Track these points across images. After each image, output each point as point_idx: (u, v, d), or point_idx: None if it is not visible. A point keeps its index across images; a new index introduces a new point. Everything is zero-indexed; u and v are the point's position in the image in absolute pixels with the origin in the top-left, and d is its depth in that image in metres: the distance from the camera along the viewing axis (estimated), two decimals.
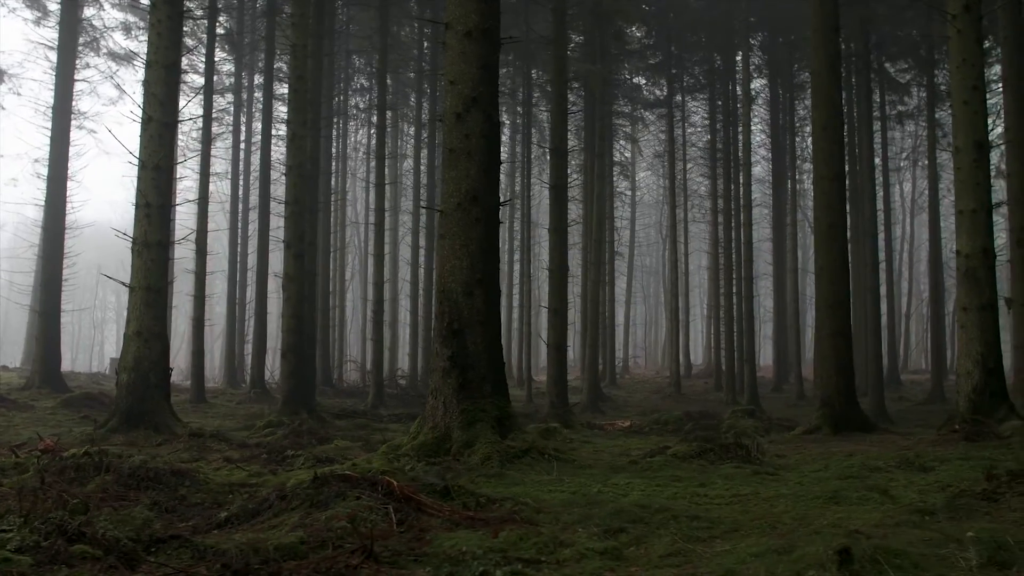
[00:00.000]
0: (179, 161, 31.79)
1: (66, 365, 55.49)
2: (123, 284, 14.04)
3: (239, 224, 30.60)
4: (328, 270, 30.23)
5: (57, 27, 22.90)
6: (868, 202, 28.49)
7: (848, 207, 33.67)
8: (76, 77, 29.76)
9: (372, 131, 42.50)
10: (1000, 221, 21.34)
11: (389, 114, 39.13)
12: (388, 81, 35.83)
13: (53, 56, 24.23)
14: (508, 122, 43.82)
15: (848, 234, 16.05)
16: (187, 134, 35.29)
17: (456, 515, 6.10)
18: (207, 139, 23.28)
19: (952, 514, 5.98)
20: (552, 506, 6.55)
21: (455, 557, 4.83)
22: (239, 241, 30.42)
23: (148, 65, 14.18)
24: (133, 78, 55.58)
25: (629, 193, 46.31)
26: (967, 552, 4.68)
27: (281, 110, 32.49)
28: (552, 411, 20.29)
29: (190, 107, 37.60)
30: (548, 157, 31.13)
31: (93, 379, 28.70)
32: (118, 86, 31.63)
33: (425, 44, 33.72)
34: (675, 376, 35.27)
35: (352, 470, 6.84)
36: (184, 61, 33.52)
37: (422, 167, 34.81)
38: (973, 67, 12.70)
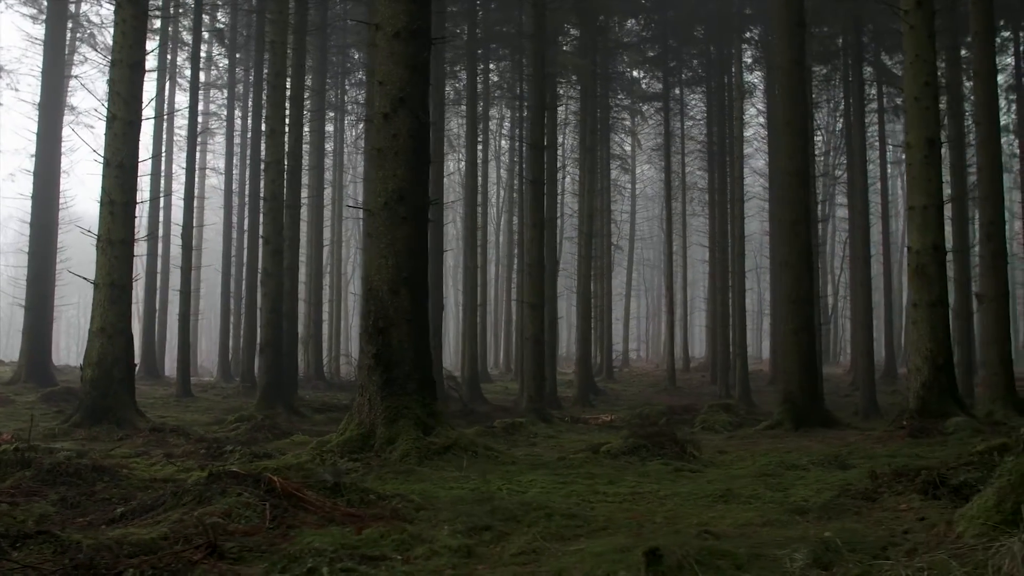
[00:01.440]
0: (160, 152, 32.12)
1: (71, 359, 56.13)
2: (87, 280, 14.27)
3: (233, 219, 30.86)
4: (321, 264, 30.43)
5: (44, 24, 23.11)
6: (860, 195, 28.47)
7: (846, 200, 33.68)
8: (73, 72, 30.19)
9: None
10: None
11: None
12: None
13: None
14: (508, 115, 43.90)
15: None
16: (183, 127, 35.73)
17: (336, 512, 6.22)
18: (193, 134, 23.50)
19: (824, 514, 6.04)
20: (439, 503, 6.65)
21: (296, 554, 4.94)
22: (233, 236, 30.68)
23: (113, 64, 14.38)
24: None
25: (629, 186, 46.22)
26: (797, 553, 4.74)
27: None
28: (530, 405, 20.36)
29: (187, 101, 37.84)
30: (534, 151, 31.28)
31: None
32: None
33: None
34: (670, 370, 35.28)
35: (242, 468, 6.97)
36: (180, 57, 33.95)
37: None
38: (925, 63, 12.65)
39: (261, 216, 19.56)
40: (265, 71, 30.16)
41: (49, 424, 14.06)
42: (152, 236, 27.13)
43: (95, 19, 30.88)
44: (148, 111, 28.58)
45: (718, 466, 9.55)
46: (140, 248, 32.20)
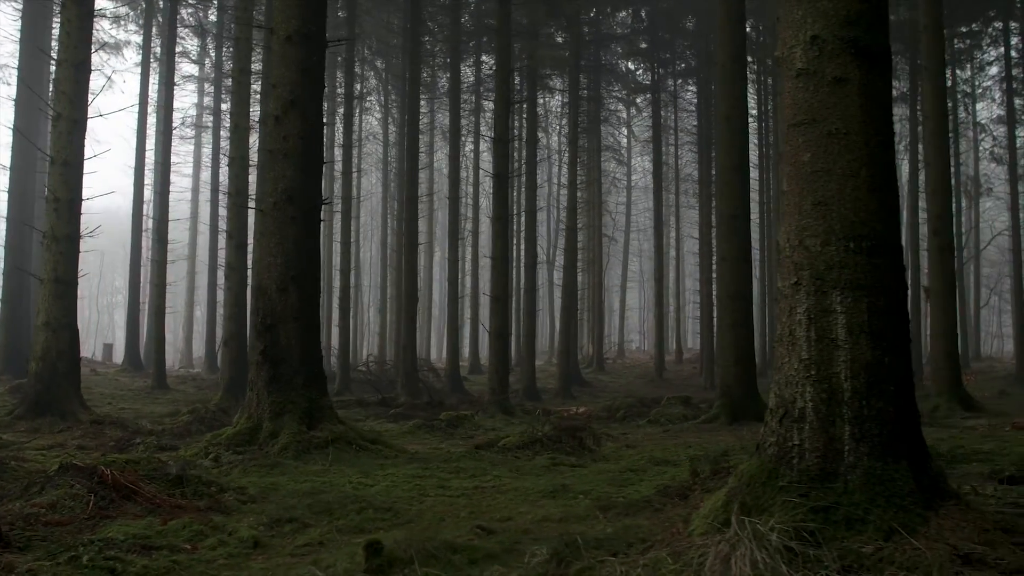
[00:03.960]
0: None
1: None
2: (34, 276, 14.65)
3: (220, 214, 31.25)
4: None
5: (20, 19, 23.49)
6: None
7: None
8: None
9: (368, 117, 43.06)
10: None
11: (389, 100, 39.70)
12: (360, 70, 36.24)
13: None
14: None
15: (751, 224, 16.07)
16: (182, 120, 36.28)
17: (164, 503, 6.47)
18: (168, 129, 23.90)
19: (626, 510, 6.20)
20: (275, 496, 6.89)
21: (75, 543, 5.17)
22: (220, 230, 31.07)
23: (58, 64, 14.70)
24: (124, 67, 57.14)
25: (625, 178, 46.21)
26: (542, 549, 4.92)
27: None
28: (493, 398, 20.57)
29: (188, 98, 38.31)
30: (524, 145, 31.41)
31: None
32: (107, 75, 32.25)
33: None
34: (658, 361, 35.36)
35: (77, 460, 7.25)
36: (180, 48, 34.38)
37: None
38: None
39: (225, 211, 19.89)
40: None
41: None
42: (136, 230, 27.57)
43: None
44: (132, 101, 29.07)
45: (605, 460, 9.71)
46: (124, 242, 32.66)
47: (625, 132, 43.54)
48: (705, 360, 31.97)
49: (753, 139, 38.50)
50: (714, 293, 29.42)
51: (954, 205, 34.40)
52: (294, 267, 9.47)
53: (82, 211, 14.20)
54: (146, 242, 29.39)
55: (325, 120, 31.80)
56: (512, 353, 36.49)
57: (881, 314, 4.63)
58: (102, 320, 65.63)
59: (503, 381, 21.07)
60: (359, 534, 5.77)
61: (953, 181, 35.26)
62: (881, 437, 4.55)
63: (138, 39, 30.86)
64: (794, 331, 4.75)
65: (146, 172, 27.61)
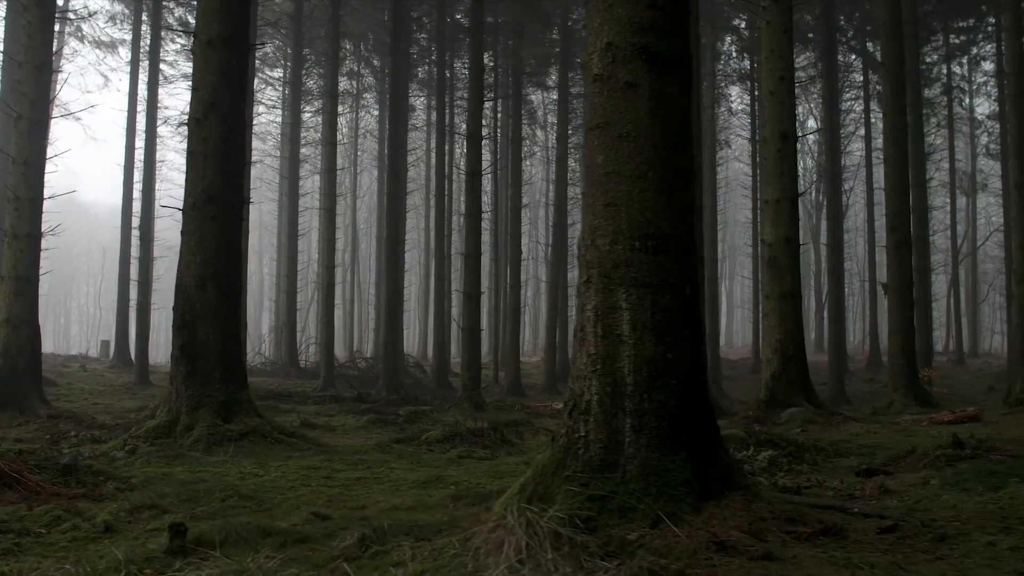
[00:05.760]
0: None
1: (78, 347, 57.87)
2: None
3: None
4: (296, 254, 31.16)
5: (3, 23, 23.88)
6: (831, 182, 28.53)
7: (825, 188, 33.57)
8: (64, 68, 31.21)
9: (365, 114, 43.43)
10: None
11: (385, 97, 40.03)
12: (356, 67, 36.55)
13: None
14: (500, 104, 44.18)
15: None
16: (176, 117, 36.73)
17: (45, 491, 6.77)
18: (152, 128, 24.30)
19: (475, 500, 6.40)
20: (157, 485, 7.17)
21: None
22: None
23: (20, 65, 15.09)
24: (118, 65, 58.04)
25: None
26: (352, 534, 5.16)
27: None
28: (464, 393, 20.81)
29: (186, 95, 38.61)
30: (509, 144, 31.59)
31: (69, 361, 30.13)
32: (103, 74, 32.78)
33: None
34: None
35: None
36: (174, 46, 34.87)
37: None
38: (781, 58, 12.79)
39: None
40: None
41: None
42: (125, 228, 28.03)
43: (82, 12, 31.71)
44: (122, 100, 29.48)
45: (520, 453, 9.91)
46: (114, 240, 33.16)
47: None
48: None
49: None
50: None
51: (951, 202, 34.31)
52: (212, 265, 9.77)
53: (57, 209, 14.56)
54: (135, 239, 29.83)
55: (319, 117, 31.93)
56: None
57: (665, 311, 4.82)
58: (105, 317, 66.30)
59: (475, 377, 21.31)
60: (214, 520, 6.03)
61: (948, 177, 35.26)
62: (660, 430, 4.74)
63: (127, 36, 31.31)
64: (584, 327, 4.94)
65: (135, 170, 27.97)
